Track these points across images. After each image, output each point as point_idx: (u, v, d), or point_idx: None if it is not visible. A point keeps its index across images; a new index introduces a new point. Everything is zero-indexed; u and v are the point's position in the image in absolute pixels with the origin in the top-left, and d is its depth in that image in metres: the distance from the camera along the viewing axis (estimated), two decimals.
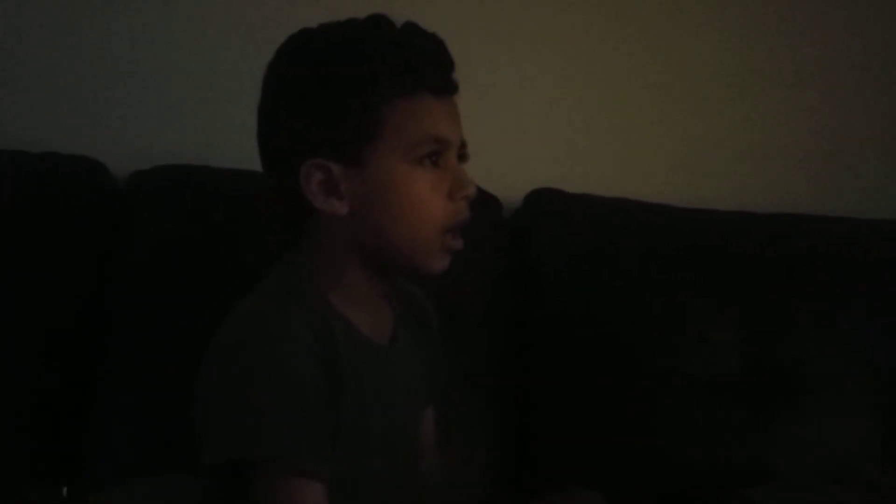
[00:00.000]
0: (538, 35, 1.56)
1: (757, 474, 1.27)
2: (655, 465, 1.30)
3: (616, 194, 1.49)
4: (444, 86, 0.94)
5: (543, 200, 1.46)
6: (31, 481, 1.09)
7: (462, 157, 0.96)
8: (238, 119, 1.23)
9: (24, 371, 1.18)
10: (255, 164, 1.18)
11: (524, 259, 1.41)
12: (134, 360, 1.20)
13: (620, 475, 1.28)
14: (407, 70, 0.91)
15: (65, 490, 1.06)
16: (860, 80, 1.64)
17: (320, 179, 0.90)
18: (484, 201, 1.17)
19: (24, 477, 1.10)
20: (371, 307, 0.97)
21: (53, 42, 1.38)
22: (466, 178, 0.93)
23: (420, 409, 1.06)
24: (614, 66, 1.59)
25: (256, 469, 0.84)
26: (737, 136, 1.64)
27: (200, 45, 1.43)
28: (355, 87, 0.90)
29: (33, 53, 1.38)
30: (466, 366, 1.18)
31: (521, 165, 1.51)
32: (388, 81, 0.90)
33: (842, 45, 1.63)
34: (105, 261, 1.25)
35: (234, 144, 1.31)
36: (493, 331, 1.34)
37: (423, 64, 0.92)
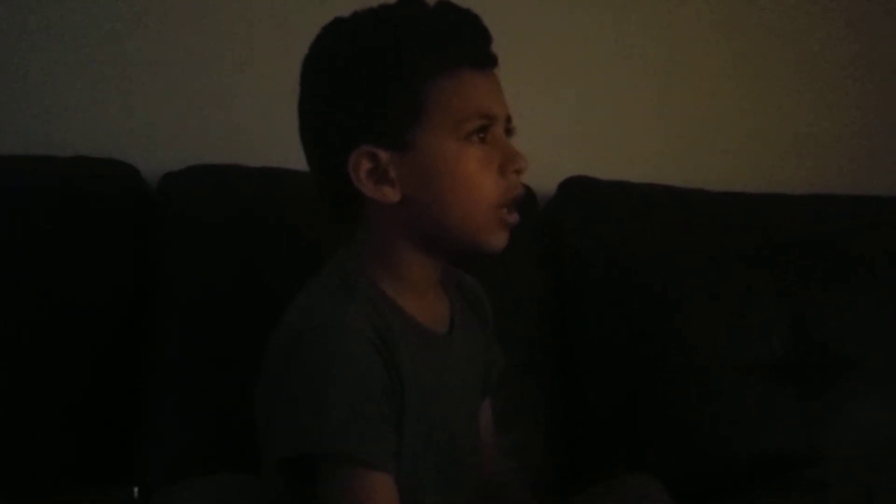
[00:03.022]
0: (568, 21, 1.55)
1: (807, 455, 1.26)
2: (704, 448, 1.29)
3: (649, 180, 1.48)
4: (484, 59, 0.92)
5: (577, 189, 1.45)
6: (102, 483, 1.08)
7: (508, 131, 0.94)
8: (267, 117, 1.22)
9: (63, 379, 1.17)
10: (285, 162, 1.17)
11: (560, 248, 1.39)
12: (175, 363, 1.18)
13: (670, 459, 1.27)
14: (445, 47, 0.89)
15: (136, 490, 1.05)
16: None
17: (369, 168, 0.89)
18: None
19: (89, 478, 1.09)
20: (427, 296, 0.95)
21: (80, 46, 1.37)
22: (516, 151, 0.91)
23: (478, 398, 1.04)
24: (646, 51, 1.58)
25: (325, 462, 0.82)
26: (771, 120, 1.62)
27: (227, 44, 1.41)
28: (395, 70, 0.88)
29: (61, 57, 1.36)
30: (511, 355, 1.16)
31: (553, 154, 1.48)
32: (427, 60, 0.89)
33: None
34: (140, 263, 1.23)
35: (264, 143, 1.31)
36: (533, 320, 1.32)
37: (460, 39, 0.90)
